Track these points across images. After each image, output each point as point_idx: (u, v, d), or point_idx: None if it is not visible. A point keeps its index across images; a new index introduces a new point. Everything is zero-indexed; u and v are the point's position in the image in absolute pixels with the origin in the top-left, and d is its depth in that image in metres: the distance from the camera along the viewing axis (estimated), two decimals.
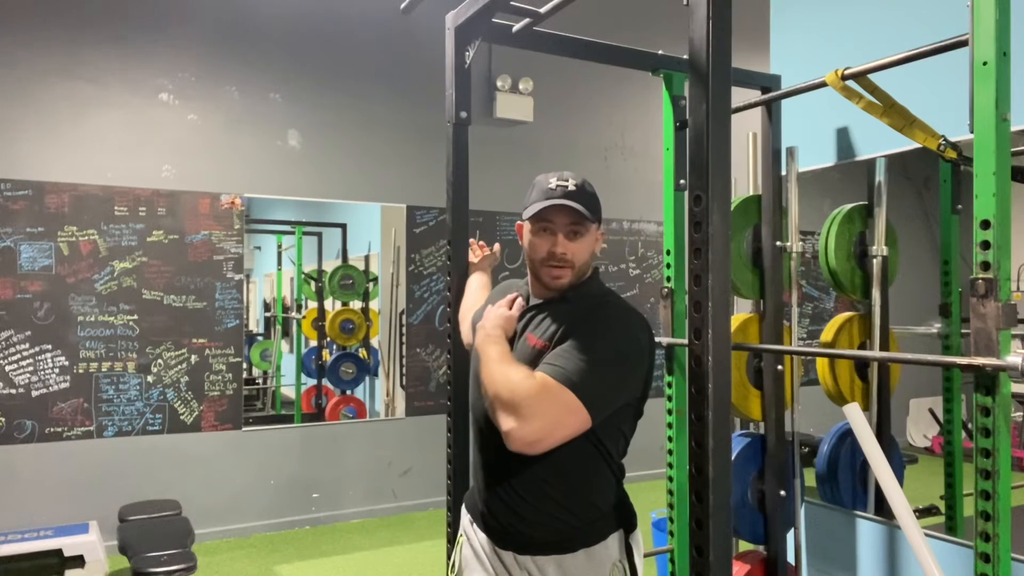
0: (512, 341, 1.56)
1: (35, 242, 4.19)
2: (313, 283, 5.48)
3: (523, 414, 1.31)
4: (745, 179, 2.67)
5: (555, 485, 1.48)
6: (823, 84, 1.97)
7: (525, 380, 1.35)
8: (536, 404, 1.32)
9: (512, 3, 1.97)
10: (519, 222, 1.61)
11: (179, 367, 4.52)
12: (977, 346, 1.46)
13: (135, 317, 4.41)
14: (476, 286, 2.08)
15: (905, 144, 2.02)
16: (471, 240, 2.20)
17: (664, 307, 2.50)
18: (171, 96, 4.55)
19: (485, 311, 1.64)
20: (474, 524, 1.64)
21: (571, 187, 1.51)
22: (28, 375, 4.17)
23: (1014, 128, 1.52)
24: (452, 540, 2.00)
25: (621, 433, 1.52)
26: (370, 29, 5.08)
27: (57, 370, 4.23)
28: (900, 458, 2.57)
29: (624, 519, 1.56)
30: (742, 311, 2.59)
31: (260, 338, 5.74)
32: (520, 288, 1.69)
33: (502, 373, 1.39)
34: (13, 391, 4.14)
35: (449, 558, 1.85)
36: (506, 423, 1.33)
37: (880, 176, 2.41)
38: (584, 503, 1.49)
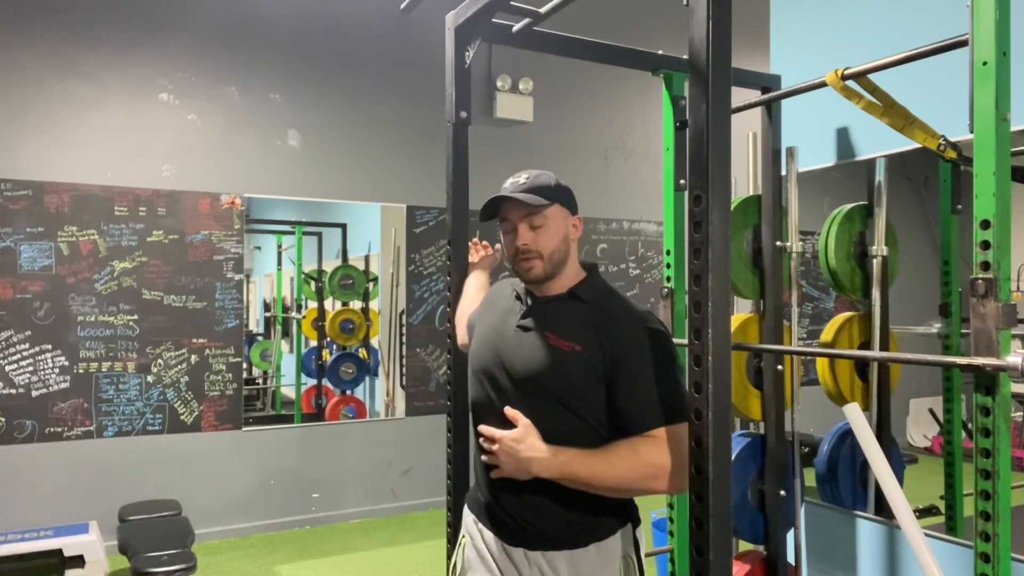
0: (505, 338, 1.57)
1: (35, 242, 4.19)
2: (313, 283, 5.48)
3: (674, 471, 1.39)
4: (745, 179, 2.67)
5: None
6: (823, 84, 1.96)
7: (652, 450, 1.40)
8: (676, 459, 1.39)
9: (512, 3, 1.97)
10: None
11: (179, 367, 4.52)
12: (977, 346, 1.46)
13: (135, 317, 4.41)
14: (473, 287, 2.07)
15: (905, 144, 2.02)
16: (473, 240, 2.20)
17: (664, 307, 2.50)
18: (171, 96, 4.55)
19: (480, 344, 1.65)
20: (479, 523, 1.62)
21: (521, 181, 1.55)
22: (28, 375, 4.17)
23: (1014, 128, 1.52)
24: (453, 540, 1.99)
25: None
26: (370, 29, 5.08)
27: (57, 370, 4.23)
28: (900, 458, 2.57)
29: (630, 513, 1.57)
30: (742, 311, 2.59)
31: (260, 338, 5.73)
32: (517, 287, 1.68)
33: (624, 464, 1.41)
34: (13, 391, 4.14)
35: (450, 559, 1.84)
36: (662, 486, 1.40)
37: (880, 176, 2.41)
38: (596, 497, 1.48)
